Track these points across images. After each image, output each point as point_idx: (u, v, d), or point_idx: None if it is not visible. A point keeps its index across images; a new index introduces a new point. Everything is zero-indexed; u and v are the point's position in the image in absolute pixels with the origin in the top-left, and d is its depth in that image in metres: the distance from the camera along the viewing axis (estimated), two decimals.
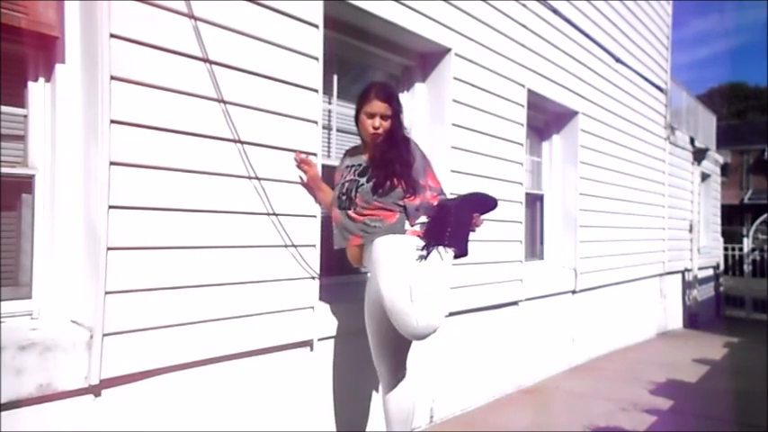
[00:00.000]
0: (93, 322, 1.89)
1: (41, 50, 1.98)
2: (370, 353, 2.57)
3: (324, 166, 2.72)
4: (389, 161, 2.36)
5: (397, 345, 2.37)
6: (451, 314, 3.38)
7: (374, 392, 2.92)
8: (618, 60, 5.87)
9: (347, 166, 2.49)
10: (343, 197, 2.41)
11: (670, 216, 7.49)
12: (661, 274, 7.31)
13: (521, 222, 4.21)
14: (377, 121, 2.39)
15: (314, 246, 2.64)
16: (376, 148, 2.43)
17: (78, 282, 1.98)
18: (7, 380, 1.69)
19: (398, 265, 2.18)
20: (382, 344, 2.40)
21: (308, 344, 2.64)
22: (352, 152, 2.60)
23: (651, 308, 7.13)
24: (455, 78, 3.45)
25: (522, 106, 4.20)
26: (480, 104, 3.72)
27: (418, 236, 2.28)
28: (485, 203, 2.34)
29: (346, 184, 2.42)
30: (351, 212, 2.38)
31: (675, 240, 7.77)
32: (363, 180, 2.37)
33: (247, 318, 2.35)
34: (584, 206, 5.14)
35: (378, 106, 2.39)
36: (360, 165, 2.44)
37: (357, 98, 2.47)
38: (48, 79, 2.01)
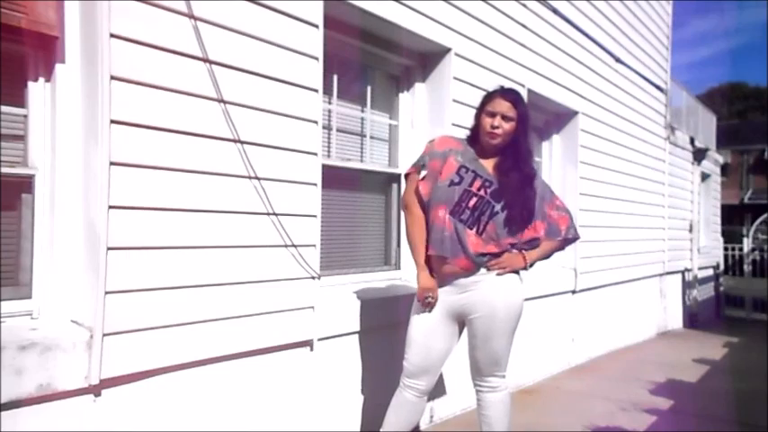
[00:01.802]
0: (93, 322, 1.89)
1: (41, 50, 1.98)
2: (370, 353, 2.58)
3: (324, 166, 2.72)
4: (527, 198, 2.29)
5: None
6: None
7: (373, 392, 2.92)
8: (618, 60, 5.87)
9: (465, 168, 2.31)
10: (468, 211, 2.25)
11: (670, 216, 7.49)
12: (661, 274, 7.31)
13: None
14: (497, 120, 2.26)
15: (314, 246, 2.64)
16: (500, 162, 2.31)
17: (78, 282, 1.98)
18: (7, 380, 1.69)
19: (513, 331, 2.39)
20: (441, 364, 2.43)
21: (307, 344, 2.63)
22: (462, 145, 2.40)
23: (651, 308, 7.12)
24: (455, 78, 3.45)
25: None
26: None
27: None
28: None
29: (474, 200, 2.26)
30: (472, 233, 2.25)
31: (675, 240, 7.77)
32: (498, 207, 2.25)
33: (247, 318, 2.35)
34: (584, 206, 5.14)
35: (501, 105, 2.27)
36: (488, 180, 2.29)
37: (481, 98, 2.39)
38: (48, 79, 2.01)
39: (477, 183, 2.29)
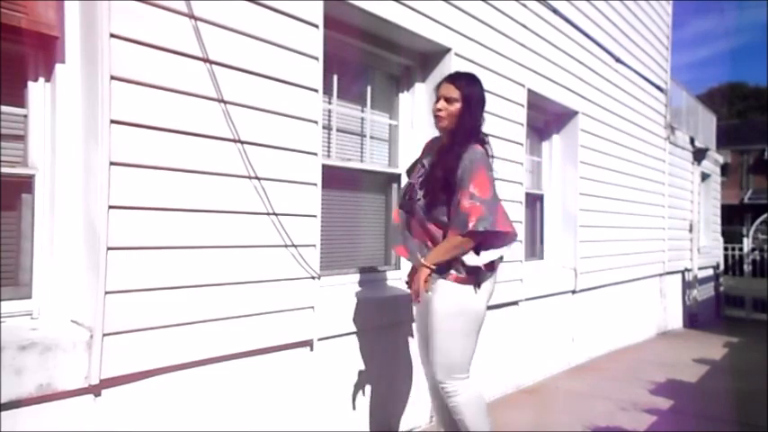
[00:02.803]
0: (93, 322, 1.89)
1: (41, 50, 1.97)
2: (370, 353, 2.56)
3: (324, 166, 2.72)
4: (444, 182, 2.18)
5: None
6: None
7: (374, 392, 2.92)
8: (618, 60, 5.87)
9: (423, 164, 2.37)
10: (406, 197, 2.34)
11: (670, 216, 7.49)
12: (661, 274, 7.31)
13: (521, 222, 4.21)
14: (440, 103, 2.25)
15: (314, 246, 2.63)
16: (445, 145, 2.31)
17: (78, 282, 1.98)
18: (7, 380, 1.69)
19: (460, 333, 2.25)
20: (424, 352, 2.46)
21: (308, 344, 2.63)
22: (431, 145, 2.46)
23: (651, 308, 7.13)
24: None
25: (522, 106, 4.20)
26: None
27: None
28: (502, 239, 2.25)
29: (413, 190, 2.34)
30: (414, 220, 2.31)
31: (675, 240, 7.77)
32: (421, 194, 2.25)
33: (247, 318, 2.35)
34: (584, 206, 5.14)
35: (444, 88, 2.28)
36: (426, 168, 2.33)
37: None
38: (48, 79, 2.00)
39: (420, 173, 2.35)
